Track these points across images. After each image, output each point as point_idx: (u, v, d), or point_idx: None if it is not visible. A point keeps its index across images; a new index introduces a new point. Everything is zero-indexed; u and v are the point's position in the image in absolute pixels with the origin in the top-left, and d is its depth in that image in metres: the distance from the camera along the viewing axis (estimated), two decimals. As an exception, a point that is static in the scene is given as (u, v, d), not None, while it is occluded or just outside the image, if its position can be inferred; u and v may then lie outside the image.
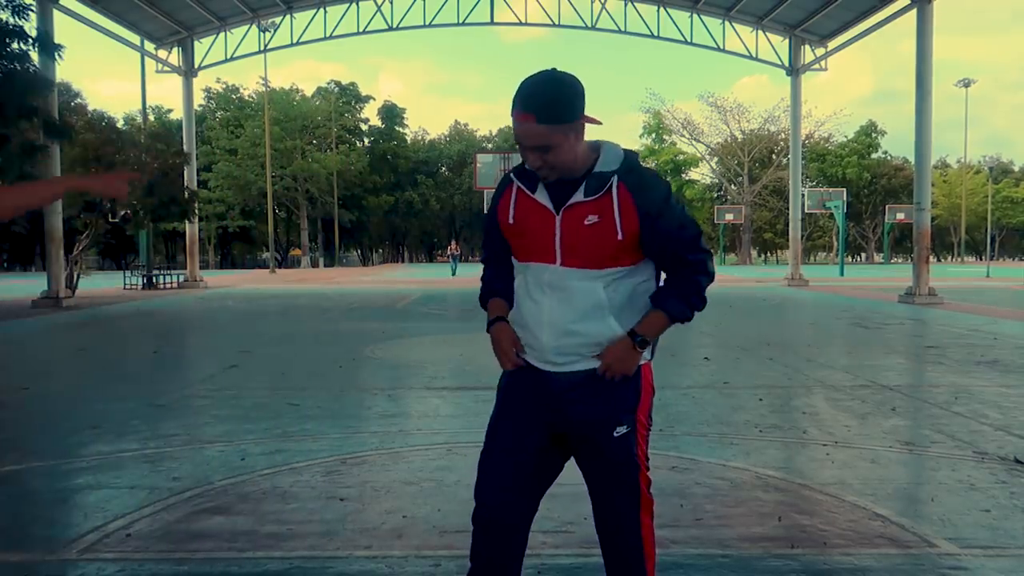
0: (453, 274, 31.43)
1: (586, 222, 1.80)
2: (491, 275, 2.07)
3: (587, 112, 1.78)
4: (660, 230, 1.81)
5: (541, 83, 1.75)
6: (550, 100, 1.72)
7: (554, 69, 1.77)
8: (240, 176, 56.38)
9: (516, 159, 24.15)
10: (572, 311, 1.84)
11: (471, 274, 31.69)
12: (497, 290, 2.03)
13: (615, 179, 1.80)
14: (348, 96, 65.72)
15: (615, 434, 1.88)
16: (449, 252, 36.22)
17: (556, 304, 1.85)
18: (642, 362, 1.91)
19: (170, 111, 59.22)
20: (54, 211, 16.19)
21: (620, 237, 1.79)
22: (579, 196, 1.81)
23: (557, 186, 1.84)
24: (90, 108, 21.88)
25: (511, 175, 1.94)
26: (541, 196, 1.86)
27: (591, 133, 1.85)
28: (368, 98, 68.01)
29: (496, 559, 1.95)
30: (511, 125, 1.82)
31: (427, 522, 3.13)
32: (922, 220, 16.77)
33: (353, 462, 4.00)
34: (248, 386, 6.35)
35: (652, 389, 1.98)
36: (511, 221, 1.91)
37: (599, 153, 1.85)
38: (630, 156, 1.86)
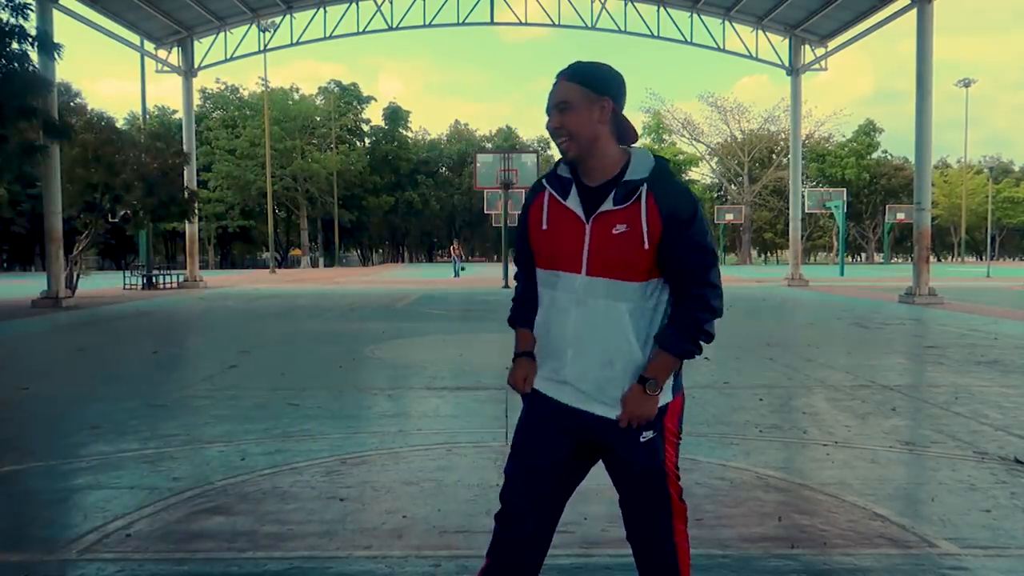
0: (457, 275, 30.48)
1: (614, 231, 1.79)
2: (522, 295, 2.05)
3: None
4: (676, 246, 1.79)
5: (586, 61, 1.87)
6: (585, 65, 1.85)
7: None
8: (240, 176, 56.38)
9: (516, 159, 24.19)
10: (597, 338, 1.83)
11: (471, 275, 31.71)
12: (527, 318, 2.01)
13: (644, 187, 1.79)
14: (349, 96, 65.71)
15: (641, 439, 1.86)
16: (452, 253, 35.14)
17: (581, 323, 1.84)
18: (667, 400, 1.90)
19: (175, 112, 59.30)
20: (54, 211, 16.18)
21: (646, 246, 1.78)
22: (608, 204, 1.80)
23: (588, 193, 1.84)
24: (90, 108, 21.77)
25: (543, 181, 1.93)
26: (572, 203, 1.85)
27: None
28: (370, 99, 68.03)
29: (513, 564, 1.95)
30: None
31: (427, 522, 3.13)
32: (922, 220, 16.78)
33: (353, 462, 4.00)
34: (248, 386, 6.35)
35: (682, 399, 1.96)
36: (544, 227, 1.89)
37: (630, 159, 1.85)
38: (660, 163, 1.85)
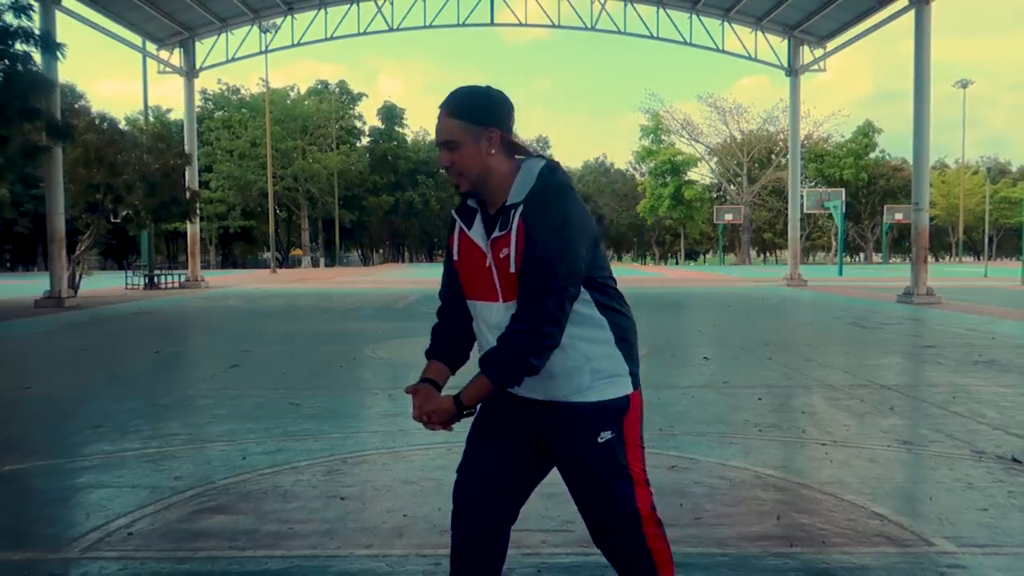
0: None
1: (501, 255, 1.75)
2: (439, 329, 2.00)
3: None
4: (526, 257, 1.70)
5: (466, 87, 1.80)
6: (465, 97, 1.77)
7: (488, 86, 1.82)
8: (241, 176, 56.41)
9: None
10: None
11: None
12: (442, 350, 1.96)
13: (519, 209, 1.73)
14: (342, 94, 65.72)
15: (599, 439, 1.78)
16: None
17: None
18: (629, 392, 1.83)
19: (169, 111, 59.31)
20: (56, 212, 16.19)
21: (513, 270, 1.72)
22: (496, 231, 1.77)
23: (489, 221, 1.81)
24: (93, 109, 21.79)
25: (452, 212, 1.91)
26: (476, 232, 1.83)
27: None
28: (361, 95, 68.02)
29: (467, 569, 1.92)
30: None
31: (428, 521, 3.14)
32: (920, 220, 16.79)
33: (354, 461, 4.02)
34: (249, 386, 6.37)
35: (640, 398, 1.87)
36: (456, 258, 1.89)
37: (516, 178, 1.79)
38: (543, 178, 1.76)
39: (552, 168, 1.79)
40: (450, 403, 1.79)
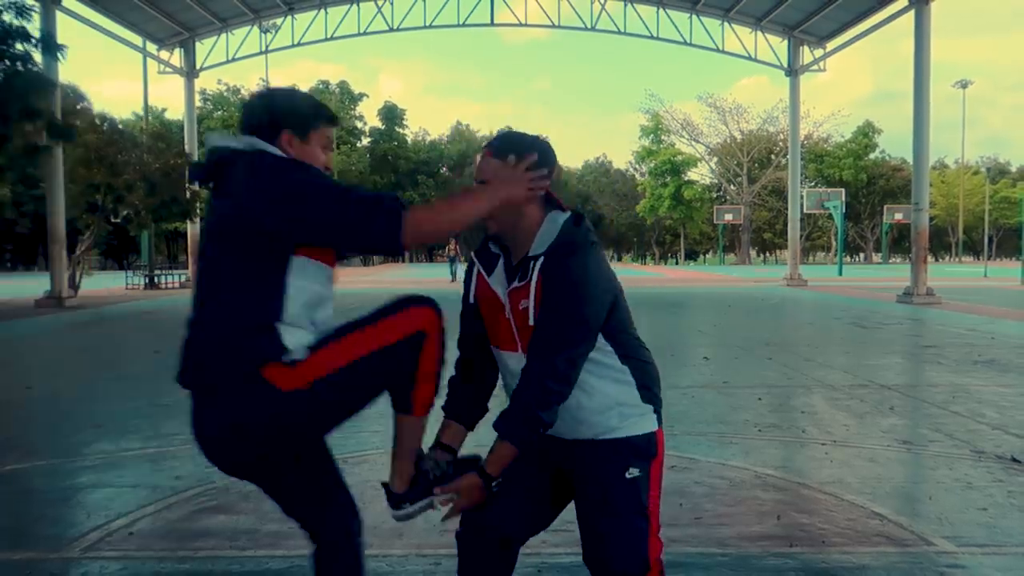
0: (453, 278, 28.23)
1: (520, 307, 1.74)
2: (456, 382, 1.92)
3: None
4: (543, 308, 1.69)
5: (515, 133, 1.80)
6: (512, 142, 1.77)
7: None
8: (241, 176, 56.39)
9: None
10: None
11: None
12: (458, 408, 1.89)
13: (540, 262, 1.72)
14: (343, 94, 65.79)
15: (627, 475, 1.75)
16: (447, 253, 32.46)
17: None
18: (654, 428, 1.82)
19: (164, 110, 59.28)
20: (57, 212, 16.19)
21: (532, 323, 1.71)
22: (516, 281, 1.76)
23: (510, 269, 1.80)
24: (94, 110, 21.80)
25: (472, 255, 1.89)
26: (495, 280, 1.82)
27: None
28: (362, 95, 68.07)
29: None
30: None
31: (427, 521, 3.12)
32: (920, 220, 16.80)
33: (354, 461, 4.02)
34: (249, 386, 6.36)
35: (663, 458, 1.85)
36: (471, 301, 1.87)
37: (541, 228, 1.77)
38: (564, 233, 1.73)
39: (576, 222, 1.76)
40: (476, 479, 1.75)
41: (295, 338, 1.60)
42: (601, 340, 1.76)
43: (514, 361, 1.79)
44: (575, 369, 1.70)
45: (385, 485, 1.86)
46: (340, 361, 1.61)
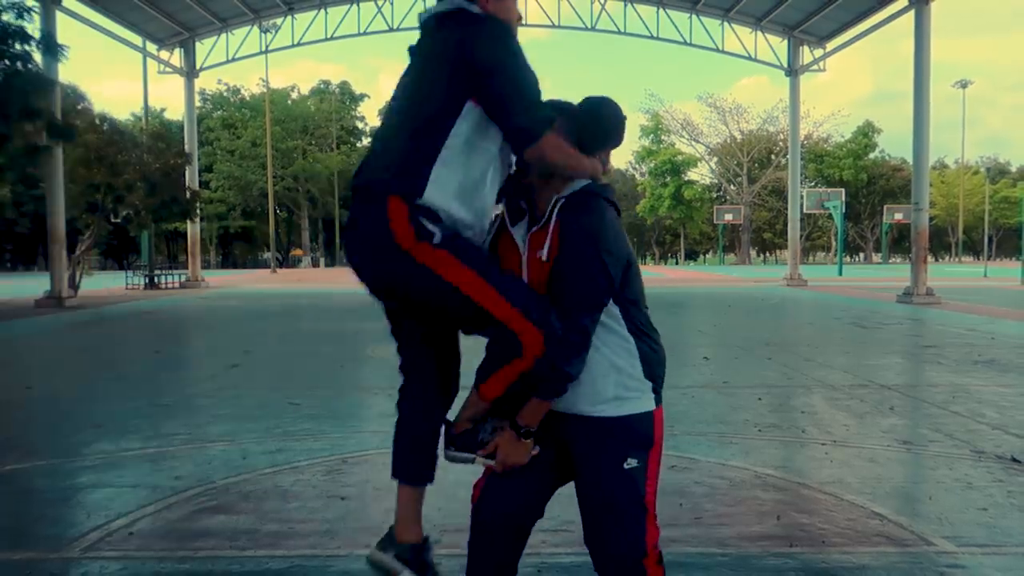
0: None
1: (536, 255, 1.77)
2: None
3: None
4: (557, 261, 1.72)
5: (592, 97, 1.89)
6: (616, 130, 1.91)
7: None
8: (241, 176, 56.47)
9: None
10: None
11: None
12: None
13: (560, 203, 1.75)
14: (344, 94, 65.83)
15: (625, 466, 1.77)
16: None
17: None
18: (652, 408, 1.82)
19: (164, 110, 59.30)
20: (57, 211, 16.20)
21: (545, 259, 1.74)
22: (537, 227, 1.79)
23: (532, 220, 1.82)
24: (94, 110, 21.84)
25: (502, 206, 1.90)
26: (517, 230, 1.84)
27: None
28: (363, 96, 68.14)
29: (494, 561, 1.92)
30: None
31: (427, 521, 3.12)
32: (920, 220, 16.80)
33: (354, 461, 4.03)
34: (250, 385, 6.37)
35: (661, 444, 1.85)
36: (493, 251, 1.87)
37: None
38: (588, 186, 1.79)
39: (603, 185, 1.82)
40: (509, 433, 1.78)
41: (439, 198, 1.66)
42: (612, 305, 1.77)
43: None
44: (594, 321, 1.73)
45: (447, 424, 1.90)
46: (450, 274, 1.65)
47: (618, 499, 1.78)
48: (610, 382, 1.78)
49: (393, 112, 1.79)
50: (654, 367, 1.84)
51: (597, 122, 1.86)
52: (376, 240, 1.66)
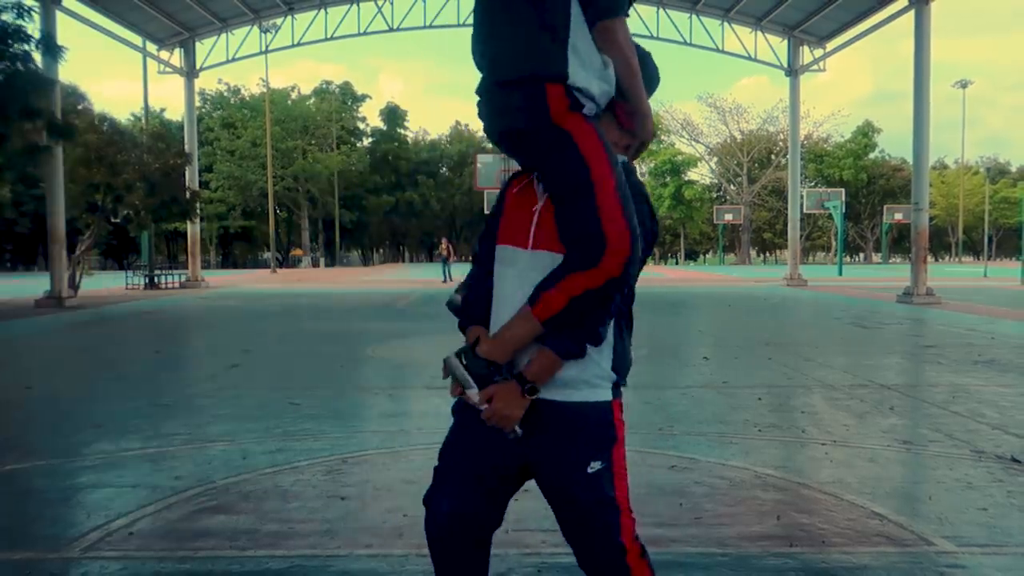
0: (446, 279, 26.20)
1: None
2: (474, 288, 1.82)
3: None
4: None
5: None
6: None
7: None
8: (241, 176, 56.49)
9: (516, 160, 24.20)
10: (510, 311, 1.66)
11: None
12: (477, 314, 1.77)
13: None
14: (345, 95, 65.87)
15: (588, 470, 1.67)
16: (439, 253, 29.64)
17: (507, 300, 1.69)
18: (610, 398, 1.71)
19: (163, 110, 59.32)
20: (57, 211, 16.20)
21: (540, 202, 1.69)
22: None
23: None
24: (94, 110, 21.88)
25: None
26: (538, 179, 1.78)
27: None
28: (365, 96, 68.15)
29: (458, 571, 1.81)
30: None
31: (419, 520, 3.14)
32: (920, 220, 16.80)
33: (354, 461, 4.03)
34: (250, 385, 6.37)
35: (624, 438, 1.75)
36: (500, 212, 1.81)
37: None
38: (626, 165, 1.80)
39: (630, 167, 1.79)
40: (512, 384, 1.63)
41: (581, 78, 1.61)
42: None
43: (516, 257, 1.70)
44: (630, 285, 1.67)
45: (476, 338, 1.71)
46: (586, 147, 1.60)
47: (586, 505, 1.69)
48: (572, 366, 1.66)
49: (498, 21, 1.69)
50: (622, 360, 1.75)
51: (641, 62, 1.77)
52: (528, 117, 1.61)
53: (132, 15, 20.62)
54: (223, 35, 24.02)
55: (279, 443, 4.40)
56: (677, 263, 71.95)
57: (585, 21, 1.63)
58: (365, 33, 23.93)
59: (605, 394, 1.71)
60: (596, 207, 1.57)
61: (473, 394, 1.65)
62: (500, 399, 1.63)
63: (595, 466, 1.68)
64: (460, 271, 34.17)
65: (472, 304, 1.80)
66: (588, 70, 1.62)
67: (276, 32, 24.52)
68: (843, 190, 44.49)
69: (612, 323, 1.71)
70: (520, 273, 1.68)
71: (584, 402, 1.69)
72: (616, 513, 1.71)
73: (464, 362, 1.66)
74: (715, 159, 67.59)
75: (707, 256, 78.93)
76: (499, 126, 1.71)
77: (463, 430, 1.81)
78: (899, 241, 67.89)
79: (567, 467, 1.69)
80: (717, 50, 24.48)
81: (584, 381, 1.69)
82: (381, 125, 70.31)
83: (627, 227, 1.58)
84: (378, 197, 65.77)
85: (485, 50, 1.71)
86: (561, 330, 1.61)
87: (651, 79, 1.82)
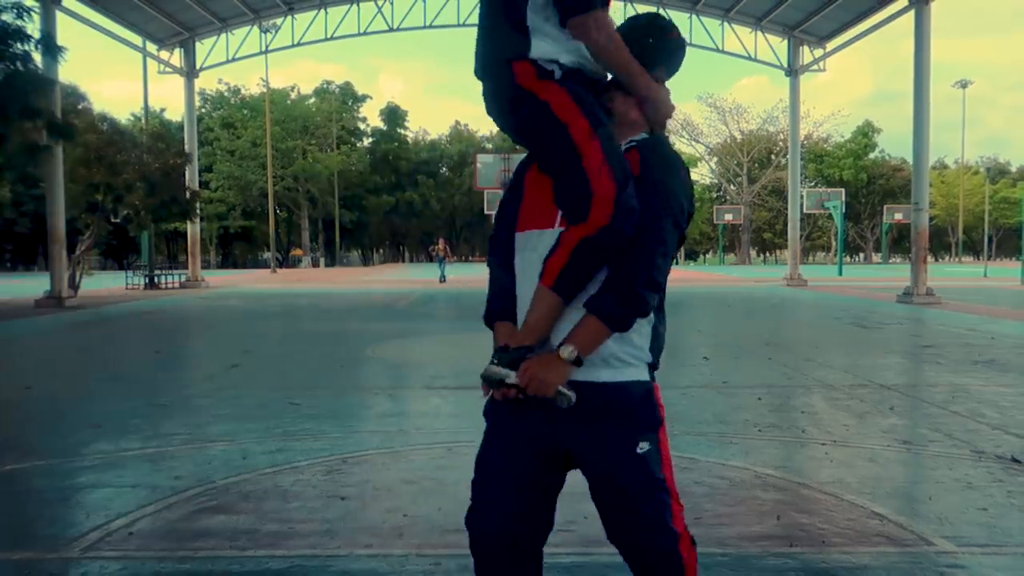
0: (442, 280, 25.78)
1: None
2: (500, 283, 1.76)
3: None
4: (642, 184, 1.64)
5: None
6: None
7: None
8: (241, 176, 56.49)
9: (515, 160, 24.21)
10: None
11: (471, 275, 31.65)
12: (507, 307, 1.72)
13: (635, 141, 1.72)
14: (346, 95, 65.89)
15: (638, 450, 1.59)
16: (435, 252, 28.72)
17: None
18: (649, 379, 1.66)
19: (163, 110, 59.32)
20: (57, 211, 16.20)
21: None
22: None
23: None
24: (94, 110, 21.89)
25: None
26: None
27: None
28: (365, 97, 68.18)
29: None
30: None
31: (428, 521, 3.15)
32: (920, 220, 16.80)
33: (354, 461, 4.02)
34: (249, 385, 6.37)
35: (665, 422, 1.69)
36: (519, 192, 1.77)
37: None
38: (658, 137, 1.75)
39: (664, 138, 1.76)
40: (551, 354, 1.56)
41: (545, 50, 1.65)
42: None
43: (543, 239, 1.64)
44: (668, 262, 1.62)
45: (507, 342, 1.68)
46: (562, 112, 1.63)
47: (638, 489, 1.60)
48: (611, 344, 1.60)
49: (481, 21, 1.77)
50: (658, 343, 1.70)
51: (651, 30, 1.73)
52: (507, 94, 1.67)
53: (132, 15, 20.62)
54: (223, 35, 24.02)
55: (279, 443, 4.40)
56: (677, 263, 71.94)
57: (555, 7, 1.67)
58: (365, 33, 23.93)
59: (645, 374, 1.66)
60: (583, 168, 1.60)
61: (514, 379, 1.58)
62: (534, 365, 1.55)
63: (644, 447, 1.60)
64: (458, 271, 34.25)
65: (497, 298, 1.75)
66: (555, 43, 1.66)
67: (276, 32, 24.53)
68: (843, 190, 44.50)
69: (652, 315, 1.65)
70: (544, 256, 1.62)
71: (629, 381, 1.62)
72: (668, 496, 1.63)
73: (495, 361, 1.62)
74: (715, 159, 67.63)
75: (707, 256, 78.92)
76: (492, 112, 1.77)
77: (496, 431, 1.72)
78: (899, 241, 67.88)
79: (614, 449, 1.60)
80: (717, 50, 24.48)
81: (624, 360, 1.62)
82: (381, 125, 70.35)
83: (611, 177, 1.58)
84: (378, 197, 65.76)
85: (476, 51, 1.79)
86: (610, 299, 1.55)
87: (664, 48, 1.75)
